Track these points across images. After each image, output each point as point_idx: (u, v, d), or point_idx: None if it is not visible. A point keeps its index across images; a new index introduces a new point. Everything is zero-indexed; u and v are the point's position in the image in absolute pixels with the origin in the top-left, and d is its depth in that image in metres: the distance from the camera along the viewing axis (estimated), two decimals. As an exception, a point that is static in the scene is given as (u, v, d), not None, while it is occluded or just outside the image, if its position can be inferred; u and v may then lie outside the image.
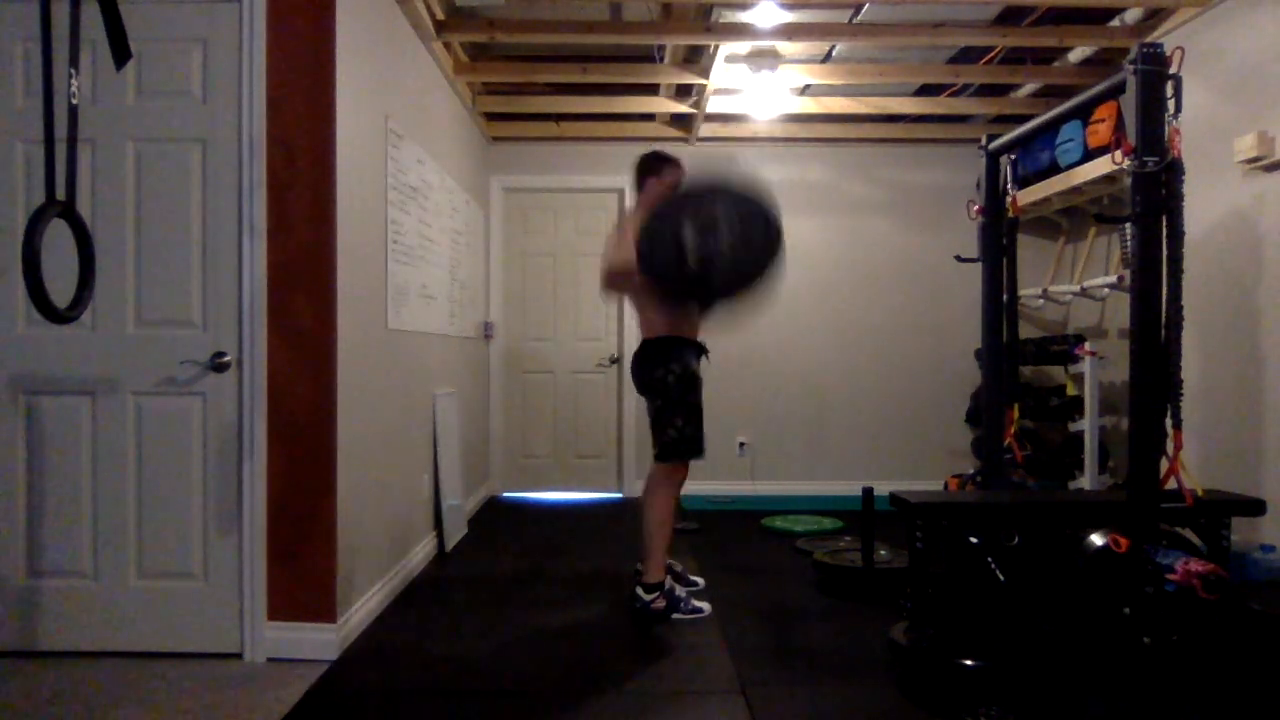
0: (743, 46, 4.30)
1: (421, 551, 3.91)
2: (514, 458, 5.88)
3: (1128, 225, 2.50)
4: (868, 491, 3.58)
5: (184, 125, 2.76)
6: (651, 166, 3.32)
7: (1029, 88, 4.85)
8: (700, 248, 2.74)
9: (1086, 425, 4.36)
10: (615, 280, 3.14)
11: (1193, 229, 2.81)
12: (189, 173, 2.76)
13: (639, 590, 3.16)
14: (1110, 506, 2.71)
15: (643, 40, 4.21)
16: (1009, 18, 4.09)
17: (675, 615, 3.17)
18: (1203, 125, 3.75)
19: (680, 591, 3.24)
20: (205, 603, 2.77)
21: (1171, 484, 2.52)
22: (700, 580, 3.59)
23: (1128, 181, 2.46)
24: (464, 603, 3.41)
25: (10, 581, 2.76)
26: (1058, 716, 2.17)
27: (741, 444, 5.70)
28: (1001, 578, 2.62)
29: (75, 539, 2.76)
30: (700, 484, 5.13)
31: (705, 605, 3.25)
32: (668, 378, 3.10)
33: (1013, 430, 3.37)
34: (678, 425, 3.09)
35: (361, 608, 3.03)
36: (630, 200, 5.67)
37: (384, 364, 3.34)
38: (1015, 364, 3.44)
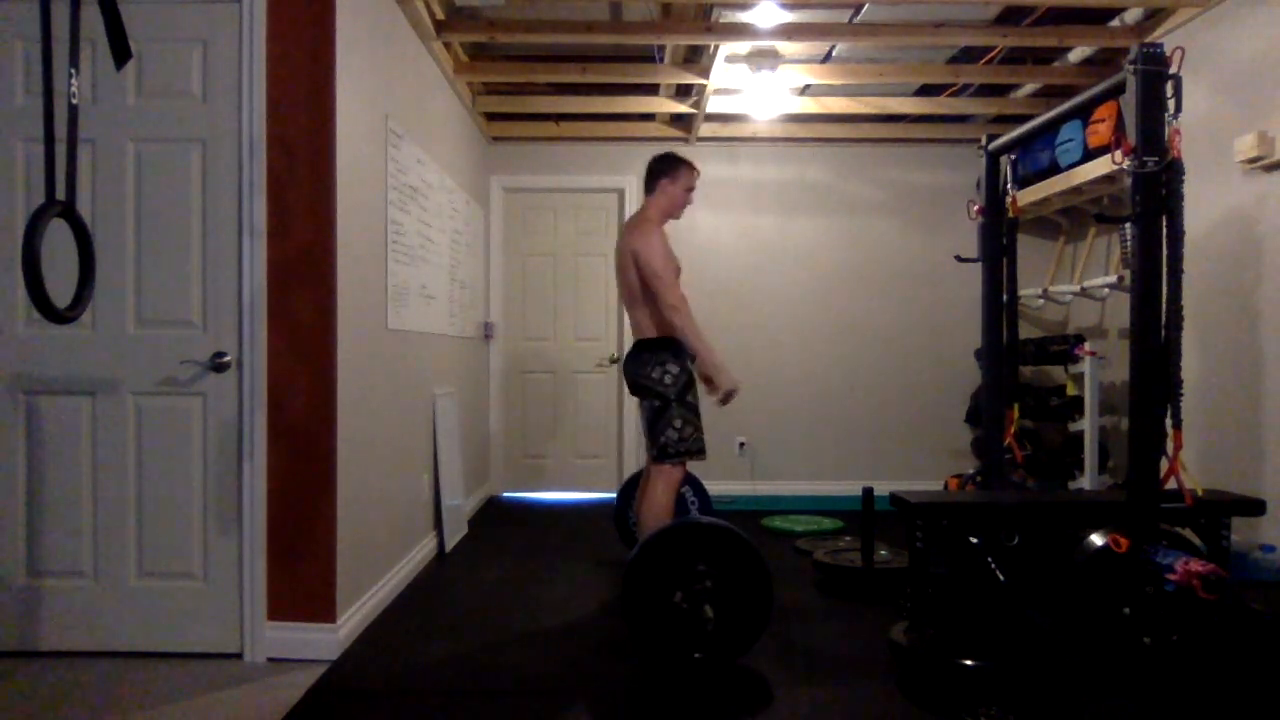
0: (743, 46, 4.30)
1: (421, 551, 3.91)
2: (514, 458, 5.88)
3: (1128, 225, 2.50)
4: (868, 491, 3.58)
5: (184, 125, 2.76)
6: (664, 168, 3.28)
7: (1029, 88, 4.85)
8: (690, 615, 2.65)
9: (1086, 425, 4.36)
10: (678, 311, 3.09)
11: (1193, 229, 2.81)
12: (189, 173, 2.76)
13: None
14: (1110, 506, 2.72)
15: (643, 40, 4.20)
16: (1009, 18, 4.08)
17: None
18: (1203, 125, 3.75)
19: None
20: (205, 603, 2.77)
21: (1171, 484, 2.52)
22: None
23: (1128, 181, 2.46)
24: (464, 603, 3.41)
25: (10, 581, 2.76)
26: (1058, 716, 2.17)
27: (741, 444, 5.70)
28: (1001, 578, 2.62)
29: (75, 539, 2.76)
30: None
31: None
32: (664, 377, 3.09)
33: (1013, 430, 3.37)
34: (676, 426, 3.07)
35: (361, 608, 3.03)
36: (636, 200, 5.71)
37: (384, 364, 3.34)
38: (1015, 364, 3.44)
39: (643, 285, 3.16)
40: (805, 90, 4.99)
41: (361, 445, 3.05)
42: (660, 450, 3.10)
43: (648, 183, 3.32)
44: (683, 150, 5.65)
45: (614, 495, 5.76)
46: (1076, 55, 4.39)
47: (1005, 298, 3.29)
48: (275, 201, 2.76)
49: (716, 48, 4.21)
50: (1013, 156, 3.38)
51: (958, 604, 2.65)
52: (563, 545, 4.44)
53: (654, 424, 3.12)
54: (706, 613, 2.62)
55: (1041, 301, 5.01)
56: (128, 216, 2.76)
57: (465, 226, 4.98)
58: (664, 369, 3.10)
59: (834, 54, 4.48)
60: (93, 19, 2.10)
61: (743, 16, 3.99)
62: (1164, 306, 2.41)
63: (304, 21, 2.76)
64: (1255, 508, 2.74)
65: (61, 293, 2.00)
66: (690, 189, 3.32)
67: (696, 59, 4.57)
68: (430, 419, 4.10)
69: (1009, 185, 3.29)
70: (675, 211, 3.32)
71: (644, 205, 3.32)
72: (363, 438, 3.06)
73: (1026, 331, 5.03)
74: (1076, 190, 4.40)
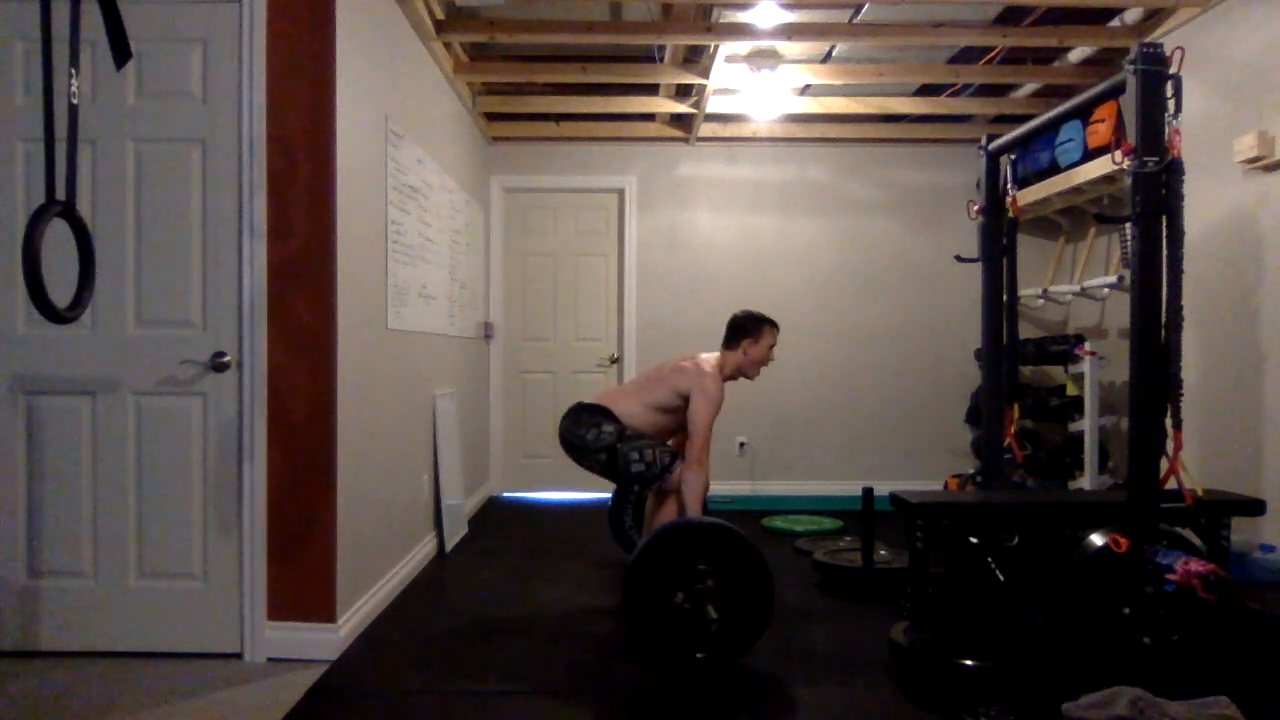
0: (743, 46, 4.30)
1: (421, 551, 3.91)
2: (514, 458, 5.88)
3: (1128, 225, 2.50)
4: (868, 491, 3.58)
5: (184, 125, 2.76)
6: (750, 328, 3.28)
7: (1029, 88, 4.85)
8: (691, 615, 2.63)
9: (1086, 425, 4.36)
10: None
11: (1193, 229, 2.81)
12: (189, 173, 2.76)
13: None
14: (1110, 506, 2.71)
15: (643, 40, 4.20)
16: (1009, 18, 4.08)
17: None
18: (1203, 125, 3.75)
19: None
20: (205, 603, 2.77)
21: (1171, 484, 2.52)
22: None
23: (1128, 181, 2.46)
24: (464, 603, 3.41)
25: (10, 581, 2.76)
26: (1058, 716, 2.17)
27: (741, 444, 5.70)
28: (1001, 578, 2.62)
29: (75, 539, 2.76)
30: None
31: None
32: (600, 437, 3.14)
33: (1013, 430, 3.37)
34: (635, 458, 3.10)
35: (361, 608, 3.03)
36: (637, 199, 5.71)
37: (384, 364, 3.34)
38: (1015, 364, 3.44)
39: (664, 406, 3.21)
40: (805, 90, 4.99)
41: (361, 445, 3.05)
42: (641, 481, 3.13)
43: (730, 338, 3.31)
44: (683, 150, 5.73)
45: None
46: (1076, 55, 4.39)
47: (1005, 298, 3.28)
48: (275, 201, 2.76)
49: (716, 48, 4.21)
50: (1013, 156, 3.38)
51: (958, 604, 2.65)
52: (563, 545, 4.44)
53: (615, 471, 3.15)
54: (710, 613, 2.61)
55: (1041, 301, 5.01)
56: (128, 216, 2.76)
57: (465, 226, 4.98)
58: (599, 430, 3.15)
59: (834, 54, 4.48)
60: (93, 19, 2.10)
61: (743, 16, 3.99)
62: (1164, 306, 2.41)
63: (304, 21, 2.76)
64: (1255, 508, 2.74)
65: (61, 293, 2.00)
66: (772, 345, 3.33)
67: (696, 59, 4.57)
68: (430, 419, 4.10)
69: (1009, 185, 3.29)
70: (751, 371, 3.33)
71: (721, 357, 3.31)
72: (363, 438, 3.06)
73: (1026, 331, 5.03)
74: (1076, 190, 4.40)
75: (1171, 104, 2.38)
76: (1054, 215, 5.17)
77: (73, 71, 1.98)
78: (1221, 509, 2.71)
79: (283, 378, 2.77)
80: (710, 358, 3.30)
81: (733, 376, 3.31)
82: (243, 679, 2.60)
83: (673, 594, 2.64)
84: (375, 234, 3.24)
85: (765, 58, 4.42)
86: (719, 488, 5.46)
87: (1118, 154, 2.45)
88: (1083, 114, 3.64)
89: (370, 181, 3.16)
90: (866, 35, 4.06)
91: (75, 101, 2.00)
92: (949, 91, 4.99)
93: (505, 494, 5.83)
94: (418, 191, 3.83)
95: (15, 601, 2.75)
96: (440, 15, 3.95)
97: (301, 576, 2.77)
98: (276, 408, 2.77)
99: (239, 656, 2.75)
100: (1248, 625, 2.35)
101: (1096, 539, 2.46)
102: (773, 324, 3.33)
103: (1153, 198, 2.38)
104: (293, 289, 2.77)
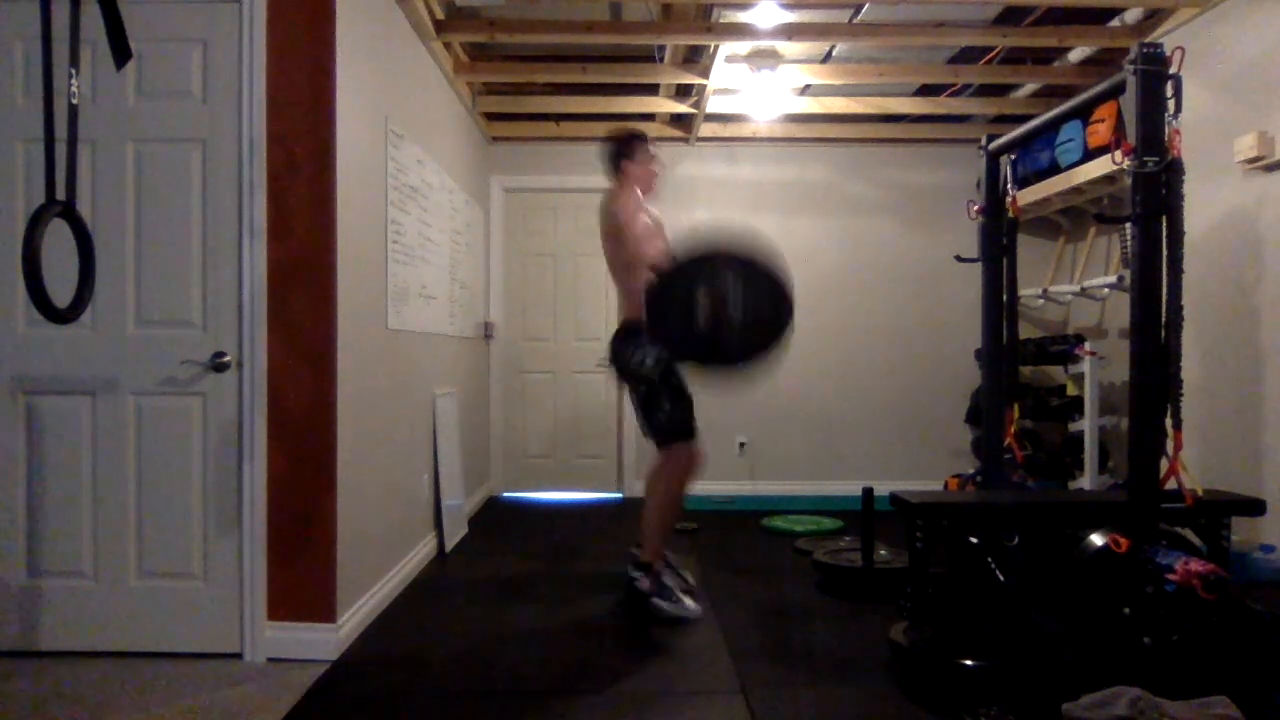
0: (743, 46, 4.30)
1: (421, 551, 3.91)
2: (514, 458, 5.88)
3: (1128, 225, 2.50)
4: (868, 491, 3.58)
5: (184, 125, 2.76)
6: (622, 150, 3.29)
7: (1029, 88, 4.85)
8: (712, 318, 2.65)
9: (1086, 425, 4.36)
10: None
11: (1193, 229, 2.80)
12: (189, 173, 2.76)
13: (630, 567, 3.18)
14: (1110, 506, 2.71)
15: (643, 40, 4.20)
16: (1009, 18, 4.08)
17: (657, 602, 3.17)
18: (1203, 125, 3.75)
19: (669, 580, 3.23)
20: (205, 603, 2.77)
21: (1171, 484, 2.52)
22: (691, 580, 3.55)
23: (1128, 181, 2.46)
24: (464, 603, 3.41)
25: (10, 581, 2.76)
26: (1058, 716, 2.17)
27: (741, 444, 5.70)
28: (1001, 578, 2.62)
29: (75, 539, 2.76)
30: (700, 484, 5.11)
31: (692, 604, 3.23)
32: (646, 360, 3.08)
33: (1013, 430, 3.37)
34: (666, 408, 3.08)
35: (361, 608, 3.03)
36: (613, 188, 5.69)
37: (384, 364, 3.34)
38: (1015, 364, 3.44)
39: (622, 264, 3.22)
40: (805, 90, 4.99)
41: (361, 445, 3.05)
42: (653, 429, 3.13)
43: (610, 167, 3.32)
44: (683, 150, 5.72)
45: (613, 495, 5.74)
46: (1076, 55, 4.39)
47: (1005, 298, 3.29)
48: (275, 201, 2.76)
49: (716, 48, 4.21)
50: (1013, 156, 3.38)
51: (958, 604, 2.65)
52: (563, 545, 4.44)
53: (645, 409, 3.13)
54: (731, 315, 2.63)
55: (1041, 301, 5.00)
56: (128, 216, 2.76)
57: (465, 226, 4.98)
58: (644, 352, 3.10)
59: (834, 54, 4.48)
60: (93, 19, 2.10)
61: (743, 16, 3.99)
62: (1164, 306, 2.41)
63: (304, 21, 2.76)
64: (1255, 508, 2.74)
65: (61, 293, 2.00)
66: (652, 157, 3.33)
67: (696, 59, 4.56)
68: (430, 419, 4.10)
69: (1009, 185, 3.29)
70: (645, 188, 3.33)
71: (614, 188, 3.32)
72: (363, 438, 3.06)
73: (1026, 331, 5.03)
74: (1076, 190, 4.40)
75: (1171, 104, 2.38)
76: (1054, 215, 5.17)
77: (73, 71, 1.98)
78: (1221, 509, 2.71)
79: (283, 378, 2.77)
80: (609, 193, 3.33)
81: (635, 190, 3.29)
82: (243, 679, 2.60)
83: (695, 300, 2.64)
84: (375, 234, 3.24)
85: (765, 58, 4.42)
86: (719, 488, 5.47)
87: (1118, 154, 2.45)
88: (1083, 114, 3.64)
89: (370, 181, 3.16)
90: (866, 35, 4.06)
91: (75, 101, 2.00)
92: (949, 91, 4.99)
93: (505, 494, 5.83)
94: (418, 191, 3.83)
95: (15, 601, 2.75)
96: (440, 15, 3.95)
97: (301, 576, 2.78)
98: (276, 408, 2.77)
99: (239, 656, 2.75)
100: (1248, 625, 2.35)
101: (1096, 539, 2.46)
102: (640, 137, 3.33)
103: (1153, 198, 2.38)
104: (293, 289, 2.77)
